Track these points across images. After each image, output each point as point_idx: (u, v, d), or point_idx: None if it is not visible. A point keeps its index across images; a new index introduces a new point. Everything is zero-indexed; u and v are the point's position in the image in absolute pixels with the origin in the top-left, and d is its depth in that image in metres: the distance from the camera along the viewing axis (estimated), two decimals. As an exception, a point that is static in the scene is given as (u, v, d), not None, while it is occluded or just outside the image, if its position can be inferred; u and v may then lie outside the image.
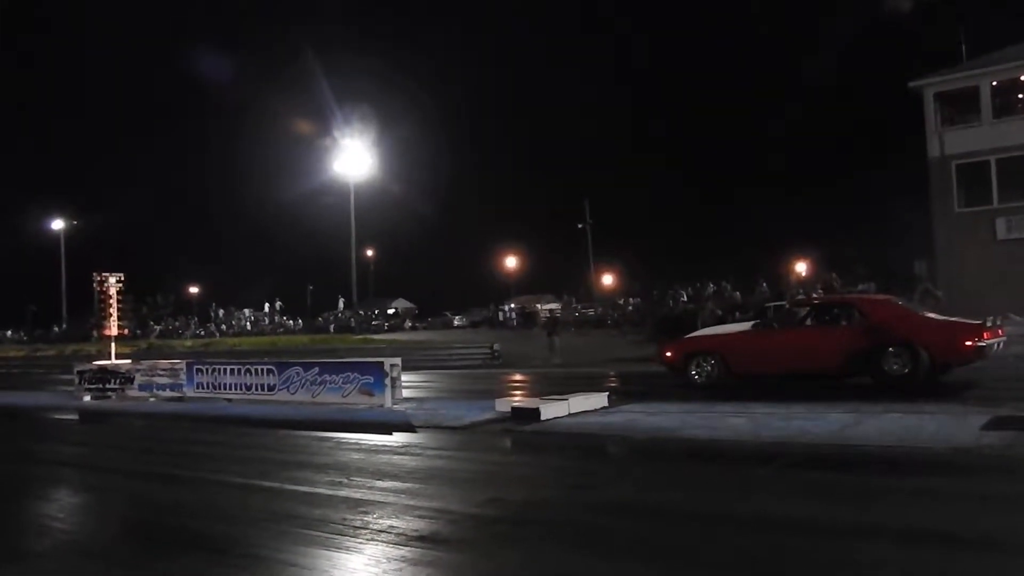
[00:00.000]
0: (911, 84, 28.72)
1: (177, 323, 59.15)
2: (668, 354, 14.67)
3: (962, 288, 24.53)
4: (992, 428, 8.16)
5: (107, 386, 18.55)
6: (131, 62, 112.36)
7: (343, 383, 14.13)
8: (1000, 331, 12.70)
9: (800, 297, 25.78)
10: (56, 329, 63.77)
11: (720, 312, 26.09)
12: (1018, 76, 27.64)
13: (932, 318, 13.23)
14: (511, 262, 66.05)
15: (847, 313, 13.25)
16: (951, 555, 4.71)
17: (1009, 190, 27.25)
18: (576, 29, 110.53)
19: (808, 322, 13.61)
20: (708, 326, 18.92)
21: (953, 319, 13.46)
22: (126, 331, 24.40)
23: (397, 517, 6.13)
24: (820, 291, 27.85)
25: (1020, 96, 28.19)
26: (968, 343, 11.98)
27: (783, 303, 21.38)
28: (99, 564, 5.59)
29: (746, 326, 14.70)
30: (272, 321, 58.84)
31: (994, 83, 27.74)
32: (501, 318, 51.84)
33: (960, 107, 29.07)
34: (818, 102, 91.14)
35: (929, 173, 28.53)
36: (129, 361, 20.63)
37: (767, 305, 23.32)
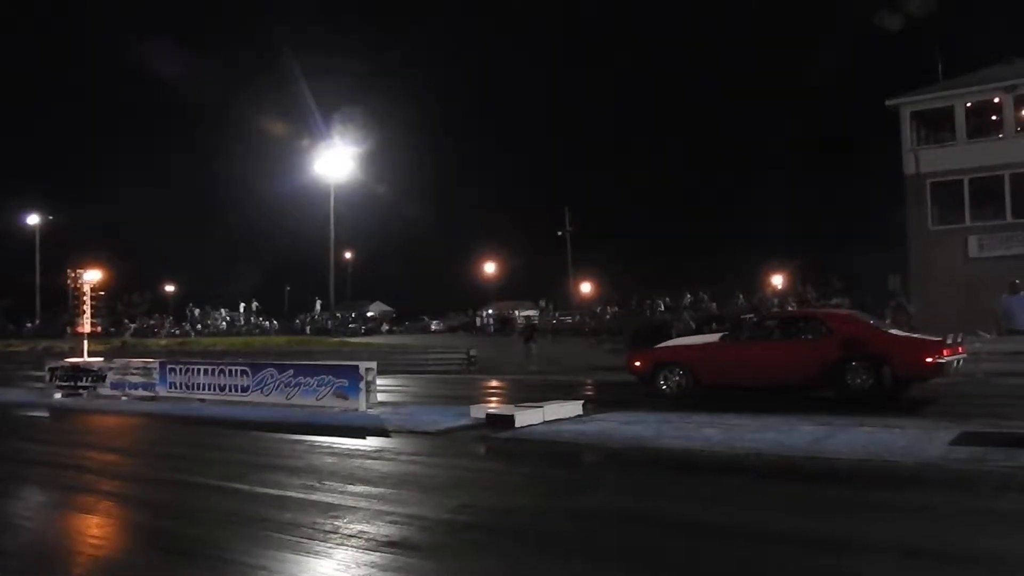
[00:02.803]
0: (888, 102, 29.06)
1: (152, 322, 58.50)
2: (637, 364, 14.74)
3: (934, 304, 24.83)
4: (961, 443, 8.26)
5: (79, 384, 18.33)
6: (109, 58, 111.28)
7: (318, 386, 14.04)
8: (960, 348, 12.93)
9: (775, 309, 26.02)
10: (29, 325, 62.85)
11: (694, 324, 26.22)
12: (991, 98, 28.05)
13: (895, 334, 13.39)
14: (490, 267, 66.00)
15: (813, 327, 13.39)
16: (918, 569, 4.76)
17: (981, 209, 27.63)
18: (559, 33, 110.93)
19: (775, 335, 13.76)
20: (682, 336, 19.02)
21: (915, 335, 13.64)
22: (99, 329, 24.13)
23: (368, 522, 6.10)
24: (794, 304, 28.07)
25: (993, 117, 28.61)
26: (928, 359, 12.16)
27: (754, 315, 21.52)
28: (65, 563, 5.52)
29: (715, 337, 14.80)
30: (248, 322, 58.40)
31: (968, 104, 28.14)
32: (479, 323, 51.85)
33: (935, 126, 29.46)
34: (798, 115, 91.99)
35: (905, 190, 28.88)
36: (102, 359, 20.36)
37: (743, 317, 23.46)
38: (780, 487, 7.23)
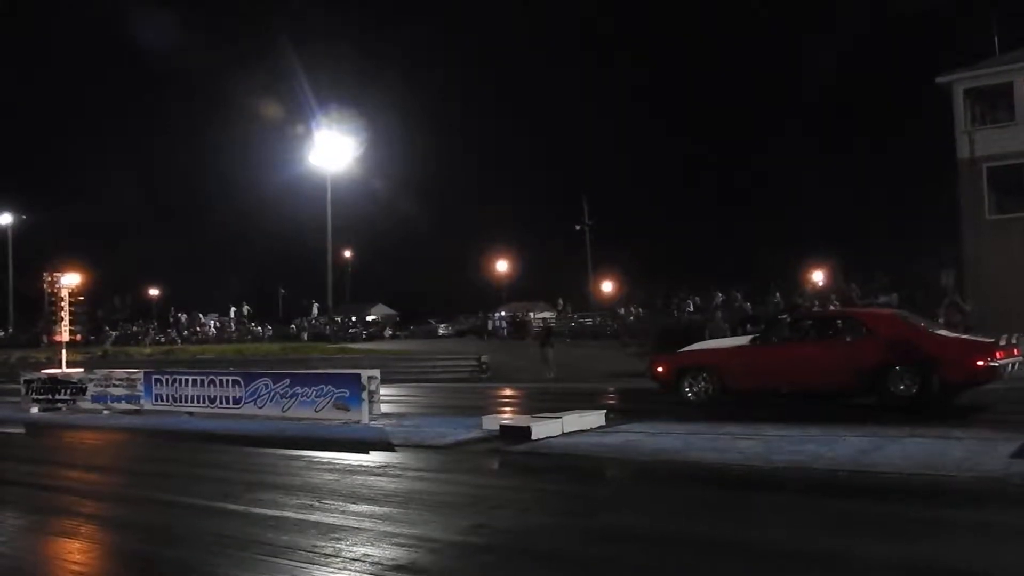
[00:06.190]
0: (939, 79, 28.85)
1: (135, 328, 58.85)
2: (659, 369, 14.75)
3: (992, 301, 24.61)
4: (1023, 456, 8.19)
5: (57, 397, 18.47)
6: (89, 45, 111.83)
7: (316, 397, 14.10)
8: (1016, 350, 12.80)
9: (815, 309, 25.89)
10: (1, 333, 63.42)
11: (727, 325, 26.11)
12: (1055, 72, 27.78)
13: (942, 335, 13.33)
14: (502, 266, 65.97)
15: (852, 328, 13.36)
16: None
17: (1045, 196, 27.39)
18: (573, 20, 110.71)
19: (809, 337, 13.71)
20: (716, 339, 18.98)
21: (965, 336, 13.56)
22: (79, 337, 24.36)
23: (373, 544, 6.11)
24: (836, 303, 27.93)
25: (1057, 94, 28.32)
26: (980, 363, 12.06)
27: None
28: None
29: (744, 340, 14.79)
30: (239, 328, 58.67)
31: (1029, 80, 27.86)
32: (490, 327, 51.77)
33: (992, 105, 29.19)
34: (840, 98, 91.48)
35: (958, 176, 28.65)
36: (82, 370, 20.55)
37: (779, 317, 23.37)
38: (825, 504, 7.19)
